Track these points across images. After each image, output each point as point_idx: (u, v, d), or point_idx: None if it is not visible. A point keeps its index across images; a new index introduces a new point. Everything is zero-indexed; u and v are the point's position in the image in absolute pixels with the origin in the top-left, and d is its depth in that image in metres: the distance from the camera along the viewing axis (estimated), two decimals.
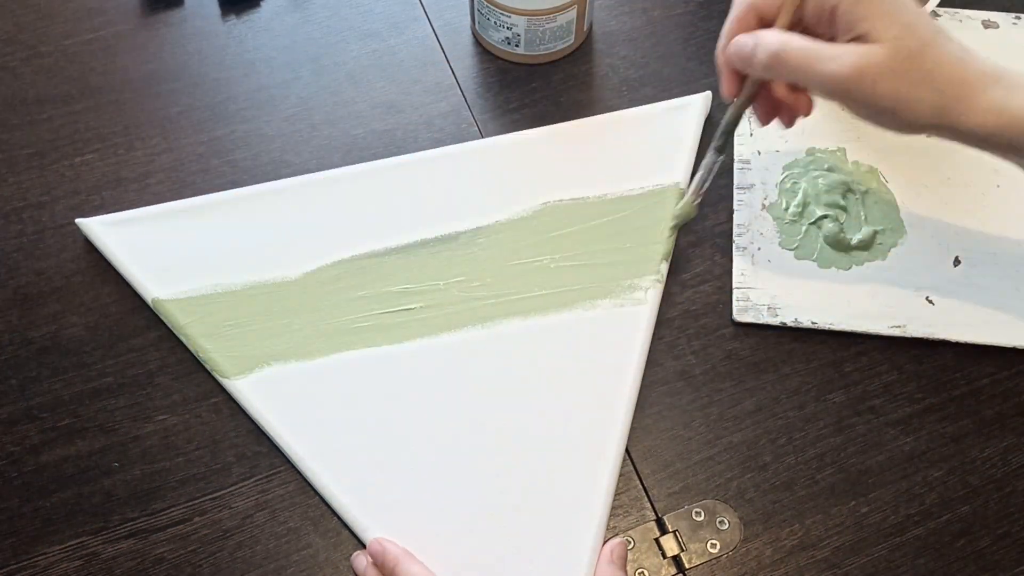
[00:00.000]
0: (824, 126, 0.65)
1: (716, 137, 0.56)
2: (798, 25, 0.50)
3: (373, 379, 0.56)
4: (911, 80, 0.47)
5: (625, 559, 0.52)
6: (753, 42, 0.49)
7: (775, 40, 0.48)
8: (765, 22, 0.51)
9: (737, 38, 0.50)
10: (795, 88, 0.51)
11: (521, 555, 0.52)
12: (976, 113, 0.47)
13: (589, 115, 0.65)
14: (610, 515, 0.53)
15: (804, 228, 0.61)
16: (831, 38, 0.49)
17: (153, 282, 0.58)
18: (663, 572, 0.53)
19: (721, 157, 0.57)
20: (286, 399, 0.55)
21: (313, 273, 0.59)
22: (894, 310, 0.58)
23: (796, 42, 0.48)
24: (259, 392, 0.55)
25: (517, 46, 0.66)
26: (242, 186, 0.62)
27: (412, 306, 0.58)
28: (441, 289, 0.59)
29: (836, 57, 0.47)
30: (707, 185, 0.58)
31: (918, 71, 0.47)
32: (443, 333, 0.57)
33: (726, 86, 0.53)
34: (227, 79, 0.67)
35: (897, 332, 0.58)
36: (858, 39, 0.47)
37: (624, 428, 0.55)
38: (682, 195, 0.61)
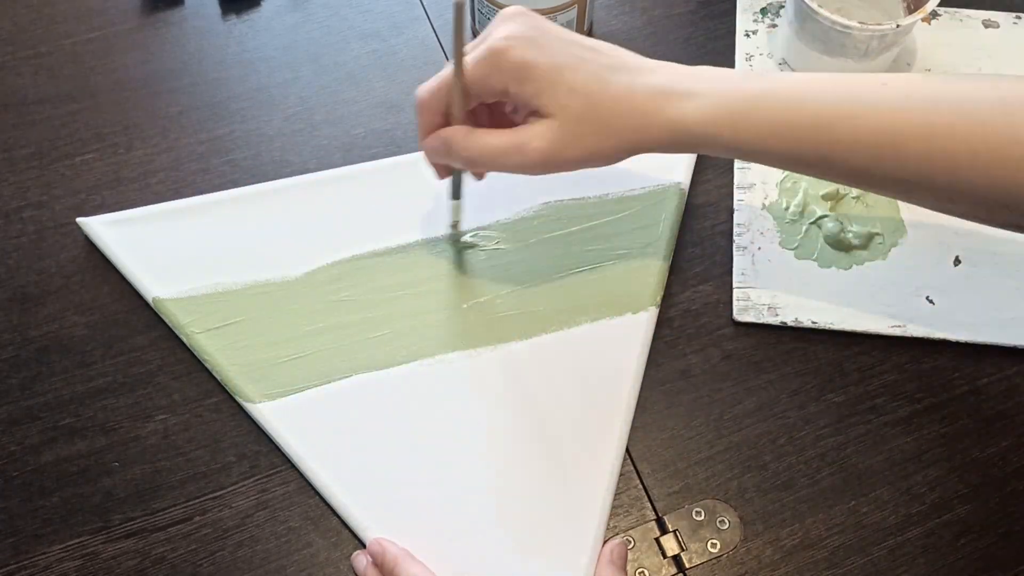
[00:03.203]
0: None
1: (450, 194, 0.57)
2: (481, 107, 0.53)
3: (376, 389, 0.56)
4: (592, 135, 0.49)
5: (625, 559, 0.52)
6: (446, 148, 0.51)
7: (466, 146, 0.50)
8: (447, 116, 0.52)
9: (429, 143, 0.52)
10: None
11: (521, 555, 0.52)
12: (659, 132, 0.49)
13: None
14: (610, 515, 0.53)
15: (804, 228, 0.61)
16: (514, 110, 0.52)
17: (153, 281, 0.58)
18: (663, 572, 0.53)
19: (459, 200, 0.57)
20: (291, 406, 0.55)
21: (313, 272, 0.59)
22: (894, 310, 0.58)
23: (484, 141, 0.50)
24: (265, 401, 0.56)
25: None
26: (242, 186, 0.62)
27: (412, 311, 0.58)
28: (441, 291, 0.59)
29: (519, 149, 0.49)
30: (459, 220, 0.59)
31: (594, 124, 0.49)
32: (442, 352, 0.57)
33: (436, 173, 0.55)
34: (227, 79, 0.67)
35: (897, 332, 0.58)
36: (534, 114, 0.49)
37: (624, 428, 0.55)
38: (683, 195, 0.61)
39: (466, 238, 0.60)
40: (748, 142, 0.48)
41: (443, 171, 0.55)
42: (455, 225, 0.59)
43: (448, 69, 0.50)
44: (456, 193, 0.56)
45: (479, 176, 0.57)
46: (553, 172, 0.51)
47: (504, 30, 0.50)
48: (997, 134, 0.45)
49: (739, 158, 0.50)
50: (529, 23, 0.50)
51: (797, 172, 0.50)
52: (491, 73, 0.49)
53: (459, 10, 0.47)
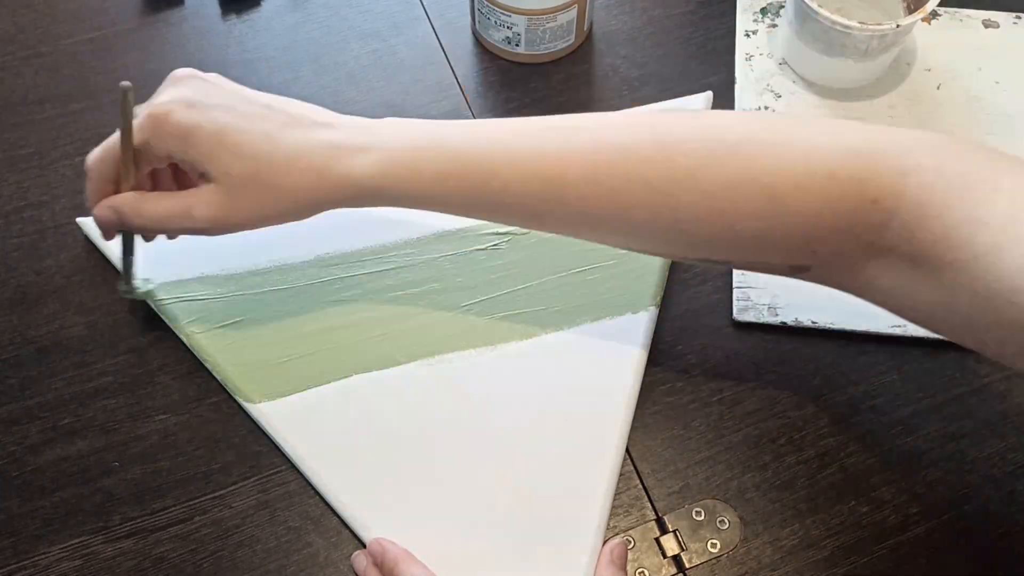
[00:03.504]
0: None
1: (121, 253, 0.55)
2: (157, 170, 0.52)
3: (376, 389, 0.56)
4: (260, 197, 0.48)
5: (625, 559, 0.52)
6: (117, 216, 0.50)
7: (135, 214, 0.50)
8: (117, 182, 0.51)
9: (99, 214, 0.51)
10: None
11: (521, 555, 0.52)
12: (334, 189, 0.48)
13: None
14: (610, 515, 0.53)
15: None
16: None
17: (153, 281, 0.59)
18: (663, 572, 0.53)
19: (131, 257, 0.55)
20: (291, 406, 0.55)
21: (314, 272, 0.59)
22: None
23: (152, 208, 0.50)
24: (265, 401, 0.56)
25: (517, 45, 0.66)
26: None
27: (412, 311, 0.58)
28: (441, 291, 0.59)
29: (186, 214, 0.49)
30: (132, 276, 0.57)
31: (262, 187, 0.48)
32: (442, 352, 0.57)
33: (105, 235, 0.54)
34: (227, 78, 0.67)
35: (897, 332, 0.58)
36: (203, 177, 0.49)
37: (624, 428, 0.55)
38: None
39: (139, 291, 0.58)
40: (418, 192, 0.48)
41: (110, 233, 0.54)
42: (128, 280, 0.56)
43: (116, 137, 0.49)
44: (128, 249, 0.55)
45: (149, 238, 0.56)
46: (226, 233, 0.50)
47: (168, 94, 0.49)
48: (657, 172, 0.45)
49: (415, 207, 0.50)
50: (196, 85, 0.50)
51: (474, 218, 0.50)
52: (153, 139, 0.48)
53: (125, 95, 0.48)
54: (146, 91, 0.66)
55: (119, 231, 0.53)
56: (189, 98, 0.49)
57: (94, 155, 0.51)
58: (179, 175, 0.54)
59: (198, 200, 0.49)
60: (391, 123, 0.50)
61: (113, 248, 0.59)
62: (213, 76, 0.51)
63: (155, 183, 0.54)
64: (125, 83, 0.48)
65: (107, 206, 0.51)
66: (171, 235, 0.53)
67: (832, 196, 0.43)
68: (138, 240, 0.55)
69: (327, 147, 0.48)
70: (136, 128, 0.49)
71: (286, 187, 0.48)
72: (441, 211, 0.50)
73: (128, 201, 0.50)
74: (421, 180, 0.48)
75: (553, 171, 0.47)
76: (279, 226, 0.60)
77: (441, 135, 0.49)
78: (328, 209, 0.50)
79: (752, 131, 0.46)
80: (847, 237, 0.44)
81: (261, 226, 0.50)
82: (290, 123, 0.49)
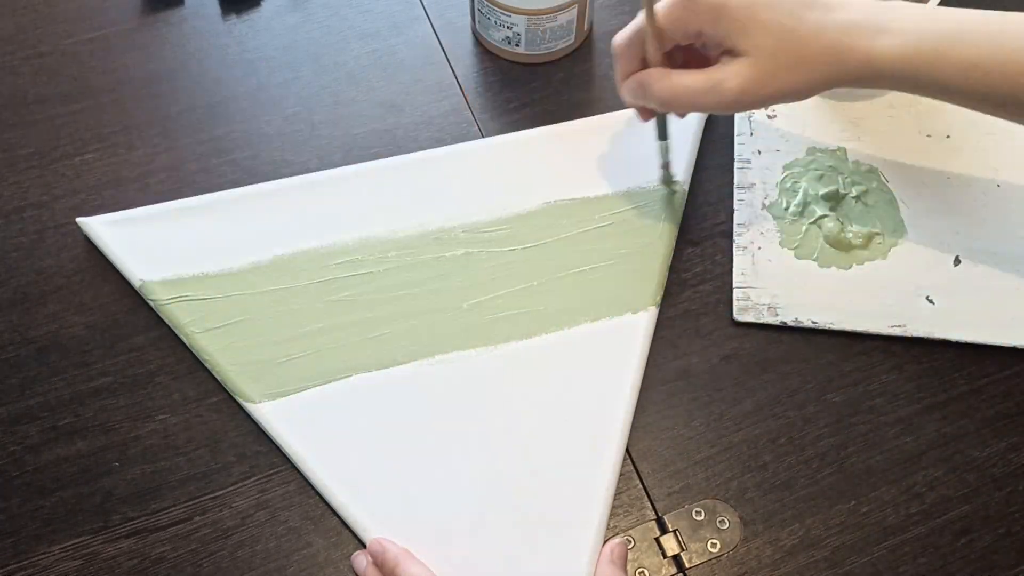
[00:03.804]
0: (824, 126, 0.65)
1: (656, 135, 0.60)
2: (676, 49, 0.54)
3: (376, 389, 0.56)
4: (787, 72, 0.50)
5: (625, 559, 0.52)
6: (642, 90, 0.54)
7: (661, 88, 0.53)
8: (644, 58, 0.54)
9: (626, 86, 0.55)
10: None
11: (521, 555, 0.52)
12: (853, 69, 0.50)
13: (590, 115, 0.65)
14: (610, 515, 0.53)
15: (804, 228, 0.61)
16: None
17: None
18: (663, 571, 0.53)
19: (666, 141, 0.60)
20: (291, 406, 0.55)
21: (314, 272, 0.59)
22: (894, 310, 0.58)
23: (679, 83, 0.52)
24: (265, 401, 0.56)
25: (518, 45, 0.66)
26: (242, 185, 0.62)
27: (412, 311, 0.58)
28: (441, 291, 0.59)
29: (715, 88, 0.51)
30: (668, 161, 0.61)
31: (788, 61, 0.50)
32: (442, 352, 0.57)
33: (638, 115, 0.59)
34: (227, 79, 0.67)
35: (897, 332, 0.58)
36: (728, 53, 0.51)
37: (624, 428, 0.55)
38: (684, 195, 0.62)
39: (677, 179, 0.62)
40: (942, 80, 0.50)
41: (645, 113, 0.58)
42: (665, 166, 0.61)
43: (641, 16, 0.52)
44: (662, 134, 0.59)
45: (681, 115, 0.59)
46: (748, 109, 0.53)
47: None
48: None
49: (929, 96, 0.52)
50: None
51: (986, 112, 0.52)
52: (685, 16, 0.51)
53: None
54: (146, 91, 0.66)
55: (648, 110, 0.57)
56: None
57: (621, 35, 0.53)
58: (690, 59, 0.56)
59: (727, 74, 0.51)
60: (900, 7, 0.51)
61: (116, 247, 0.59)
62: None
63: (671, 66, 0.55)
64: None
65: (635, 79, 0.53)
66: (691, 111, 0.56)
67: None
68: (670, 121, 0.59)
69: (850, 25, 0.50)
70: (668, 7, 0.51)
71: (810, 64, 0.50)
72: (956, 102, 0.52)
73: (655, 75, 0.53)
74: (949, 67, 0.49)
75: None
76: (279, 227, 0.60)
77: (967, 27, 0.50)
78: (839, 87, 0.52)
79: None
80: None
81: (782, 101, 0.52)
82: (809, 3, 0.51)
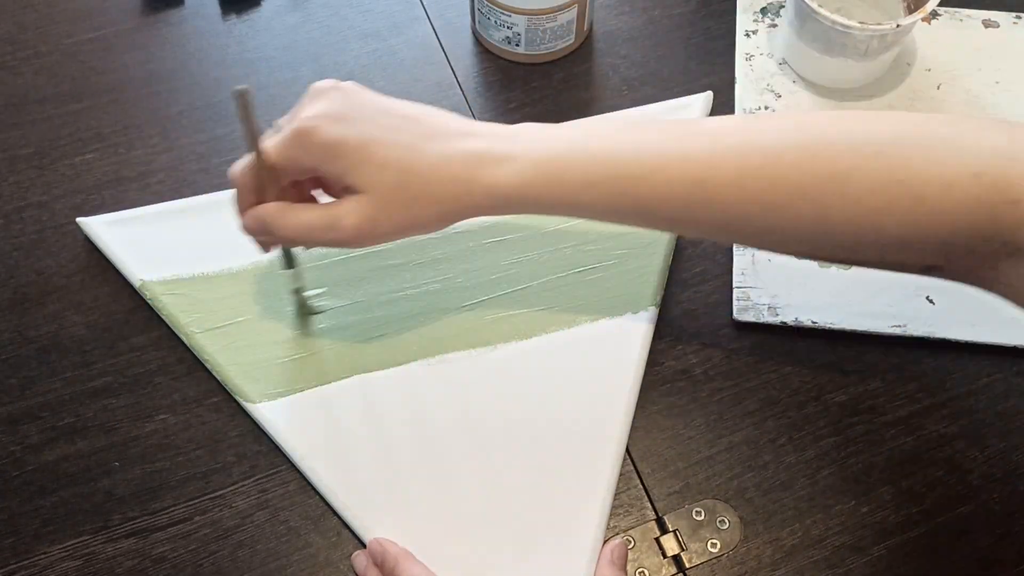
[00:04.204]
0: None
1: (282, 265, 0.55)
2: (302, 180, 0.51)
3: (376, 389, 0.56)
4: (405, 208, 0.48)
5: (625, 559, 0.52)
6: (263, 226, 0.50)
7: (283, 225, 0.50)
8: (262, 192, 0.51)
9: (246, 223, 0.51)
10: None
11: (521, 555, 0.52)
12: (477, 199, 0.48)
13: (589, 115, 0.65)
14: (610, 515, 0.53)
15: None
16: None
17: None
18: (663, 571, 0.53)
19: (295, 269, 0.55)
20: (291, 406, 0.55)
21: (315, 272, 0.59)
22: (894, 310, 0.58)
23: (299, 219, 0.49)
24: (265, 401, 0.56)
25: (518, 45, 0.66)
26: None
27: (412, 311, 0.58)
28: (441, 291, 0.59)
29: (332, 226, 0.49)
30: (302, 288, 0.57)
31: (407, 197, 0.48)
32: (442, 352, 0.57)
33: (259, 248, 0.53)
34: (227, 78, 0.67)
35: (897, 332, 0.58)
36: (348, 190, 0.49)
37: (624, 428, 0.55)
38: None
39: (312, 301, 0.58)
40: (563, 199, 0.48)
41: (266, 246, 0.54)
42: (298, 291, 0.57)
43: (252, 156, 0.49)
44: (288, 263, 0.55)
45: (307, 247, 0.56)
46: (370, 245, 0.50)
47: (312, 108, 0.49)
48: (804, 177, 0.45)
49: (559, 215, 0.50)
50: (339, 98, 0.49)
51: (617, 223, 0.50)
52: (299, 155, 0.48)
53: (242, 97, 0.46)
54: (146, 91, 0.66)
55: (269, 242, 0.53)
56: (333, 112, 0.49)
57: (237, 167, 0.50)
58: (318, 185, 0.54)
59: (344, 212, 0.49)
60: (529, 128, 0.50)
61: (117, 247, 0.59)
62: (350, 85, 0.51)
63: (298, 194, 0.53)
64: (240, 87, 0.47)
65: (254, 215, 0.51)
66: (314, 246, 0.53)
67: (976, 197, 0.43)
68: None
69: (470, 157, 0.48)
70: (281, 145, 0.49)
71: (432, 197, 0.48)
72: (585, 217, 0.50)
73: (274, 210, 0.50)
74: (567, 188, 0.48)
75: (700, 175, 0.47)
76: None
77: (586, 141, 0.49)
78: (471, 217, 0.50)
79: (899, 133, 0.45)
80: (984, 237, 0.44)
81: (405, 236, 0.50)
82: (431, 135, 0.49)
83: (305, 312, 0.58)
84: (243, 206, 0.51)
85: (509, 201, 0.49)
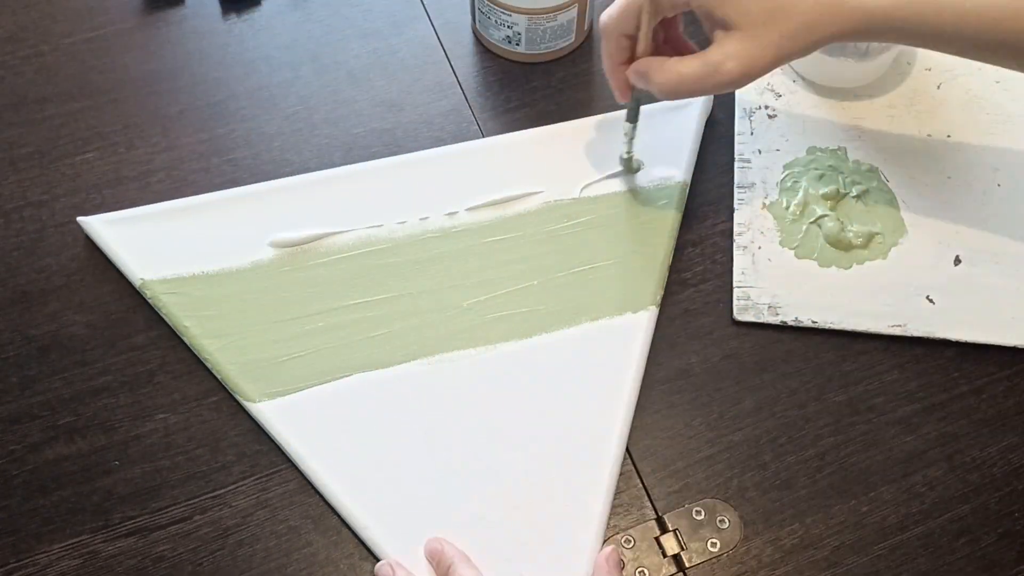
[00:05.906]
0: (824, 126, 0.65)
1: (627, 116, 0.60)
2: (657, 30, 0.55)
3: (376, 389, 0.56)
4: (780, 37, 0.50)
5: (620, 564, 0.52)
6: (644, 78, 0.54)
7: (664, 78, 0.53)
8: (633, 39, 0.55)
9: (634, 71, 0.55)
10: None
11: (521, 554, 0.52)
12: (847, 23, 0.50)
13: (590, 114, 0.65)
14: (610, 514, 0.53)
15: (805, 227, 0.61)
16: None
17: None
18: (663, 571, 0.53)
19: (635, 123, 0.60)
20: (291, 405, 0.55)
21: (315, 271, 0.59)
22: (894, 309, 0.58)
23: (679, 71, 0.52)
24: (265, 401, 0.56)
25: (518, 45, 0.66)
26: (242, 185, 0.62)
27: (412, 311, 0.58)
28: (441, 291, 0.59)
29: (715, 71, 0.51)
30: (631, 147, 0.61)
31: (781, 26, 0.50)
32: (442, 351, 0.57)
33: (619, 94, 0.58)
34: (227, 78, 0.67)
35: (897, 331, 0.58)
36: (721, 26, 0.51)
37: (624, 428, 0.55)
38: (684, 194, 0.62)
39: (637, 160, 0.62)
40: (931, 28, 0.50)
41: (627, 93, 0.57)
42: (628, 152, 0.61)
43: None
44: (633, 116, 0.59)
45: (674, 98, 0.59)
46: (751, 80, 0.52)
47: None
48: None
49: (921, 45, 0.53)
50: None
51: (970, 57, 0.52)
52: None
53: None
54: (146, 90, 0.66)
55: (629, 89, 0.57)
56: None
57: (608, 13, 0.54)
58: (668, 43, 0.57)
59: (723, 55, 0.51)
60: None
61: (117, 246, 0.59)
62: None
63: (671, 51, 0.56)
64: None
65: (635, 70, 0.54)
66: (694, 96, 0.56)
67: None
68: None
69: None
70: None
71: (802, 24, 0.50)
72: (946, 49, 0.52)
73: (655, 64, 0.53)
74: (940, 16, 0.50)
75: None
76: (279, 227, 0.60)
77: None
78: (839, 41, 0.52)
79: None
80: None
81: (781, 64, 0.52)
82: None
83: (628, 168, 0.62)
84: (611, 52, 0.55)
85: (874, 24, 0.50)
